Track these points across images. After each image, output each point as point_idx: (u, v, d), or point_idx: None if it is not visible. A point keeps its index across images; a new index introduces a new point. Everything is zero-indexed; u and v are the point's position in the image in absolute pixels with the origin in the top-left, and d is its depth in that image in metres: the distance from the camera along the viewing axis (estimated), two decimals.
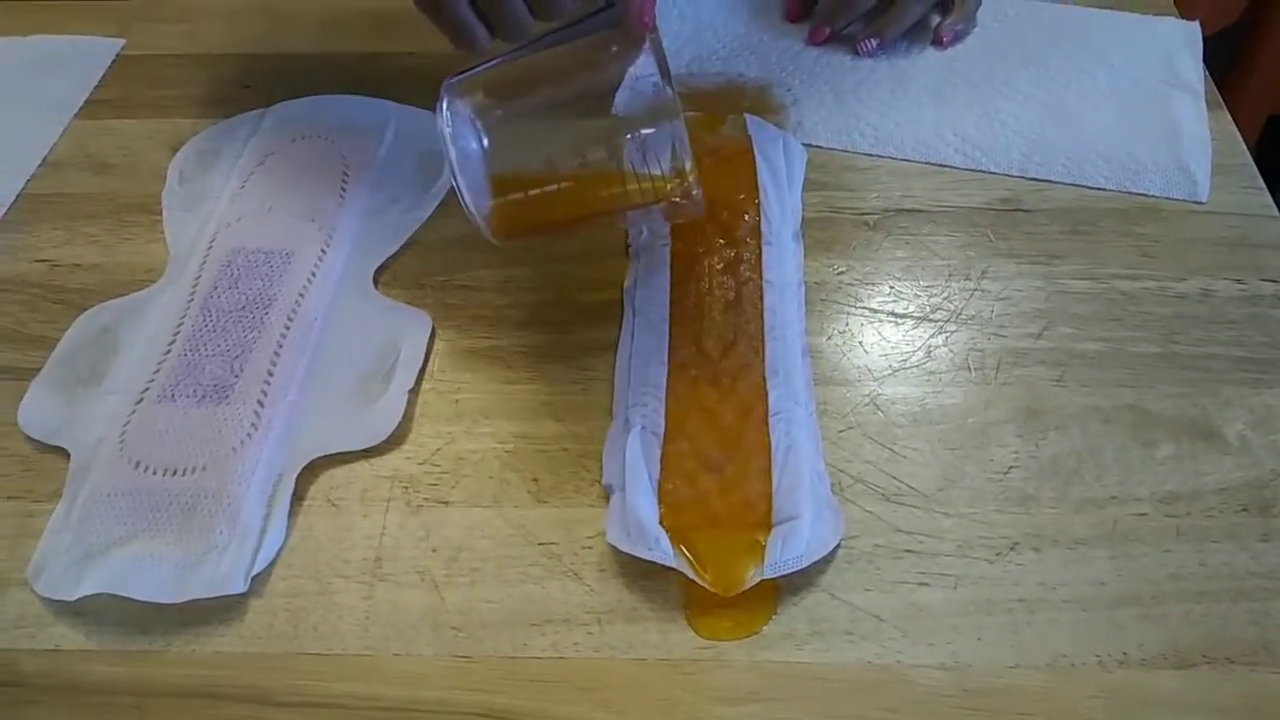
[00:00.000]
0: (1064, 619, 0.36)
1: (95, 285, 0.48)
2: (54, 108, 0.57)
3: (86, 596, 0.37)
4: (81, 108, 0.57)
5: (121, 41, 0.62)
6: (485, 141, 0.40)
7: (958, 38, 0.59)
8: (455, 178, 0.39)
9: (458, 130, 0.39)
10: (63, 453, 0.41)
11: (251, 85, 0.58)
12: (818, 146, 0.53)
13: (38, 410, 0.43)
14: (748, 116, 0.53)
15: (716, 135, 0.52)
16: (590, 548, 0.39)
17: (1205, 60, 0.57)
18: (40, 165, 0.54)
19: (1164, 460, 0.40)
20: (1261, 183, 0.51)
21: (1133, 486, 0.40)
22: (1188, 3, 0.61)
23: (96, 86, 0.59)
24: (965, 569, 0.38)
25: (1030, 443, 0.41)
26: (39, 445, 0.42)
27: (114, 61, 0.60)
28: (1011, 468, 0.40)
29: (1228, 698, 0.34)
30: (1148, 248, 0.48)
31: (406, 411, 0.42)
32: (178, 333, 0.44)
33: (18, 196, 0.53)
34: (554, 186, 0.40)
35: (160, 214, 0.51)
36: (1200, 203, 0.50)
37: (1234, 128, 0.53)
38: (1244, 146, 0.52)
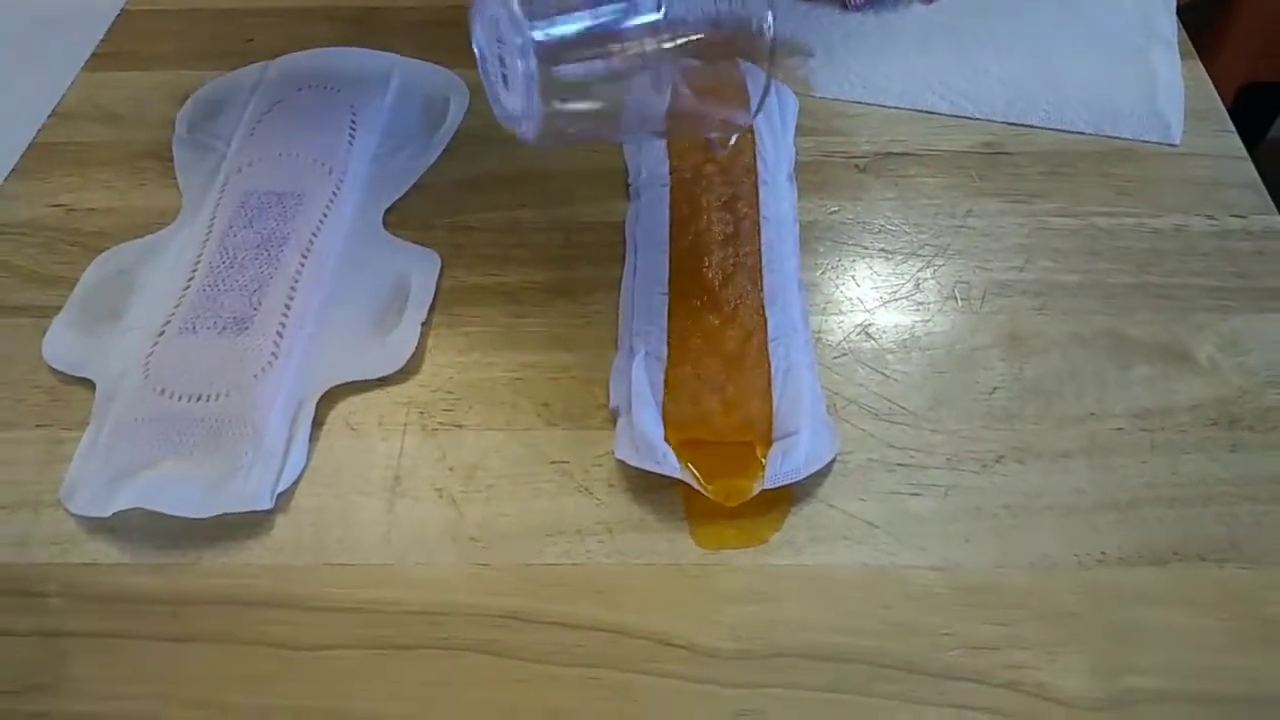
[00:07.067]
0: (1045, 523, 0.39)
1: (110, 228, 0.49)
2: (60, 61, 0.58)
3: (119, 514, 0.38)
4: (87, 61, 0.59)
5: None
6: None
7: None
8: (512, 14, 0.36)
9: None
10: (88, 384, 0.43)
11: (254, 39, 0.60)
12: (808, 95, 0.55)
13: (61, 344, 0.44)
14: (740, 63, 0.54)
15: None
16: (600, 465, 0.41)
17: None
18: (50, 116, 0.55)
19: (1139, 380, 0.43)
20: (1231, 126, 0.53)
21: (1110, 404, 0.42)
22: None
23: (101, 41, 0.60)
24: (954, 480, 0.40)
25: (1014, 366, 0.43)
26: (64, 377, 0.43)
27: (117, 17, 0.61)
28: (996, 389, 0.43)
29: (1198, 590, 0.37)
30: (1124, 187, 0.50)
31: (419, 344, 0.44)
32: (195, 269, 0.45)
33: (30, 145, 0.54)
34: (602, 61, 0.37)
35: (171, 161, 0.52)
36: (1173, 145, 0.52)
37: (1205, 75, 0.56)
38: (1215, 92, 0.55)
